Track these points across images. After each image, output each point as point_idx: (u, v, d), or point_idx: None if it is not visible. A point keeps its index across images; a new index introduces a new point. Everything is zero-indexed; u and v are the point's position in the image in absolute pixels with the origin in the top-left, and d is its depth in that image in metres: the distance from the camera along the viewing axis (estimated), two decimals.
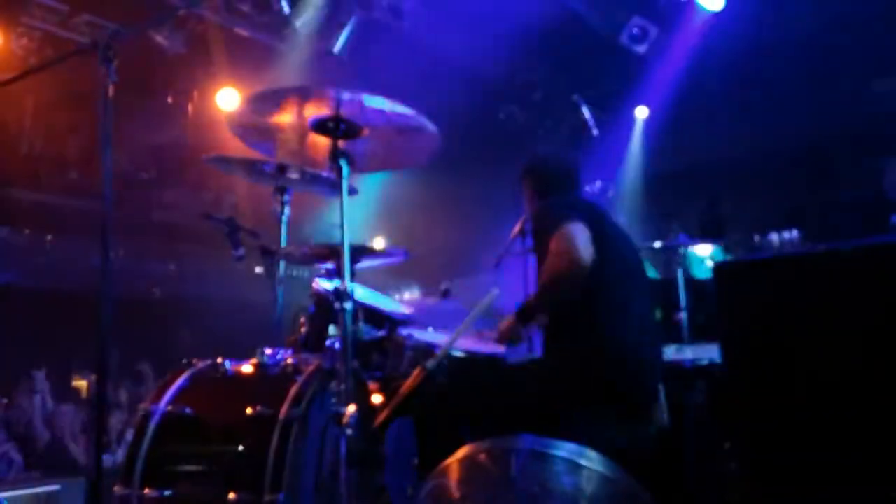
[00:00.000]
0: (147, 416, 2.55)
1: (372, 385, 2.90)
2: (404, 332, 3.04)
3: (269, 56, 7.47)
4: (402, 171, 7.12)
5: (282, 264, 3.24)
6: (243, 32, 7.16)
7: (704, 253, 4.75)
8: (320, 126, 2.47)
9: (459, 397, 2.58)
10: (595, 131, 3.84)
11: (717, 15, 7.03)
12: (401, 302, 3.40)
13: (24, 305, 8.84)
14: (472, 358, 2.90)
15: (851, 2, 6.44)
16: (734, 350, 1.67)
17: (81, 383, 8.50)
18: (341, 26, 6.91)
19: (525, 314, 2.65)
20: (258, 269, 3.38)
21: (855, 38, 6.71)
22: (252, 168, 3.14)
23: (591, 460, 1.97)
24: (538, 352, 3.22)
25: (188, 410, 2.52)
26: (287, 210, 3.27)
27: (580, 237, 2.47)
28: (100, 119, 2.15)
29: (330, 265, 3.22)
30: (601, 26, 7.31)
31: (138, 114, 7.60)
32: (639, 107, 8.50)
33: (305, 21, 6.45)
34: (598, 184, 3.07)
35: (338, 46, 7.02)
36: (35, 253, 9.79)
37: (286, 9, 6.36)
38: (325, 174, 2.90)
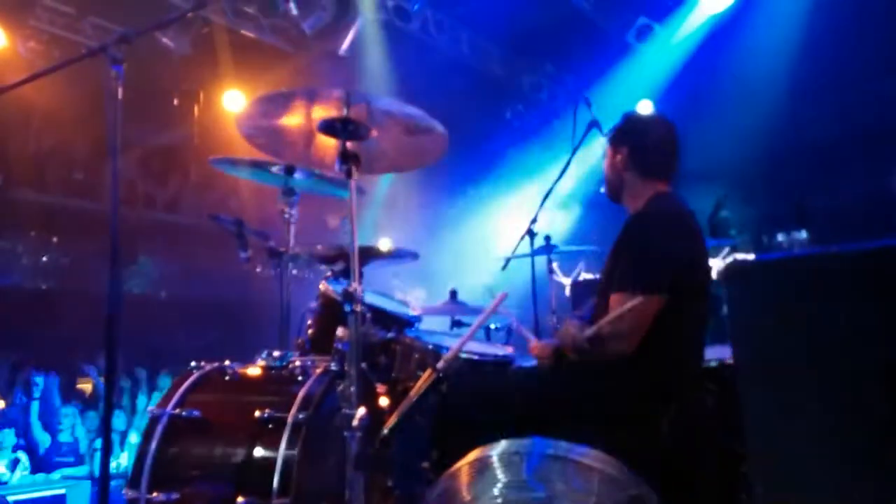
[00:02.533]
0: (155, 419, 2.54)
1: (380, 388, 2.88)
2: (412, 333, 3.03)
3: (275, 58, 7.48)
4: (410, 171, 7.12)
5: (289, 266, 3.23)
6: (250, 34, 7.16)
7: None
8: (328, 127, 2.46)
9: (470, 400, 2.55)
10: (604, 131, 3.81)
11: (723, 14, 7.01)
12: (409, 303, 3.38)
13: (29, 306, 8.86)
14: (483, 360, 2.88)
15: (859, 1, 6.41)
16: (745, 351, 1.65)
17: (86, 385, 8.50)
18: (348, 28, 6.91)
19: (562, 354, 2.57)
20: (264, 271, 3.37)
21: (862, 36, 6.68)
22: (259, 169, 3.13)
23: (603, 463, 1.96)
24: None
25: (196, 413, 2.52)
26: (294, 211, 3.26)
27: (645, 321, 2.34)
28: (108, 121, 2.14)
29: (337, 266, 3.22)
30: (607, 25, 7.30)
31: (144, 115, 7.61)
32: (642, 101, 8.45)
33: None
34: (603, 189, 2.95)
35: (344, 48, 7.02)
36: (40, 254, 9.81)
37: (293, 11, 6.35)
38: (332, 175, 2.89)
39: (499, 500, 1.94)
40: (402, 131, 2.53)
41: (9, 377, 7.46)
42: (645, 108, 8.48)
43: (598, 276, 4.10)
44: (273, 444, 2.38)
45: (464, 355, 2.77)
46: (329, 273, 3.23)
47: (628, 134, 2.76)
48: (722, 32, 7.13)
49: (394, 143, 2.62)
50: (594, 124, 3.92)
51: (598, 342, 2.40)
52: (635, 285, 2.36)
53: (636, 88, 7.87)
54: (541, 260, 4.61)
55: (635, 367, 2.42)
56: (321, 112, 2.42)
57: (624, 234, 2.59)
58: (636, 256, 2.46)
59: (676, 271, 2.40)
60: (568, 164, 4.05)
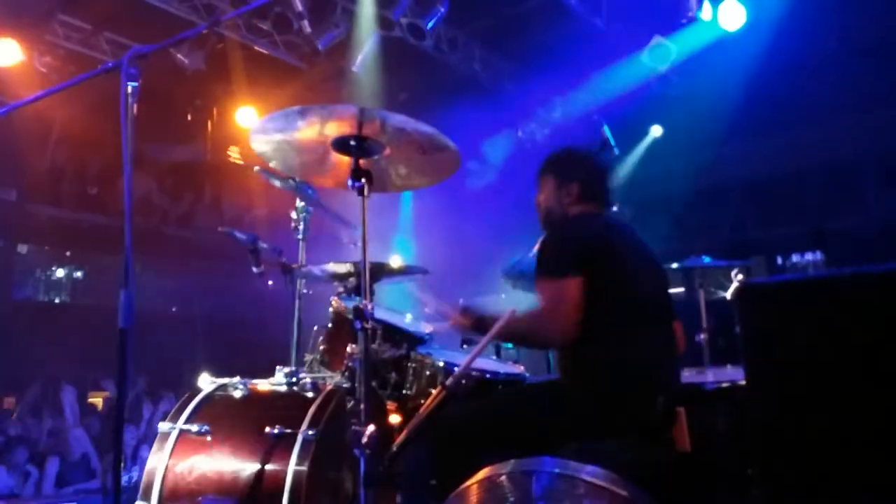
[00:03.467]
0: (166, 434, 2.54)
1: (390, 405, 2.87)
2: (423, 350, 3.02)
3: (288, 74, 7.54)
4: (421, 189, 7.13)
5: (301, 281, 3.24)
6: (263, 51, 7.22)
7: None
8: (341, 145, 2.46)
9: (478, 417, 2.54)
10: (616, 151, 3.81)
11: (741, 35, 6.99)
12: (419, 320, 3.37)
13: (41, 320, 8.91)
14: (495, 378, 2.87)
15: (877, 25, 6.39)
16: (758, 373, 1.63)
17: (97, 399, 8.52)
18: (361, 45, 6.95)
19: (482, 328, 2.57)
20: (277, 286, 3.37)
21: (880, 60, 6.66)
22: (295, 182, 3.14)
23: (613, 483, 1.94)
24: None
25: (206, 429, 2.52)
26: (306, 227, 3.27)
27: (572, 301, 2.40)
28: (122, 136, 2.15)
29: (349, 283, 3.22)
30: (621, 44, 7.32)
31: (158, 131, 7.67)
32: (654, 126, 8.49)
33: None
34: (616, 207, 2.96)
35: (357, 64, 7.07)
36: (54, 268, 9.88)
37: (307, 28, 6.41)
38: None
39: None
40: (415, 149, 2.53)
41: (23, 392, 7.48)
42: (656, 132, 8.51)
43: None
44: (283, 460, 2.38)
45: (475, 373, 2.76)
46: (341, 289, 3.23)
47: (577, 170, 2.84)
48: (738, 51, 7.11)
49: (407, 160, 2.62)
50: (606, 144, 3.91)
51: (523, 335, 2.55)
52: (555, 269, 2.46)
53: (649, 108, 7.88)
54: None
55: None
56: (334, 129, 2.42)
57: (545, 227, 2.82)
58: (556, 240, 2.60)
59: (584, 249, 2.48)
60: None
